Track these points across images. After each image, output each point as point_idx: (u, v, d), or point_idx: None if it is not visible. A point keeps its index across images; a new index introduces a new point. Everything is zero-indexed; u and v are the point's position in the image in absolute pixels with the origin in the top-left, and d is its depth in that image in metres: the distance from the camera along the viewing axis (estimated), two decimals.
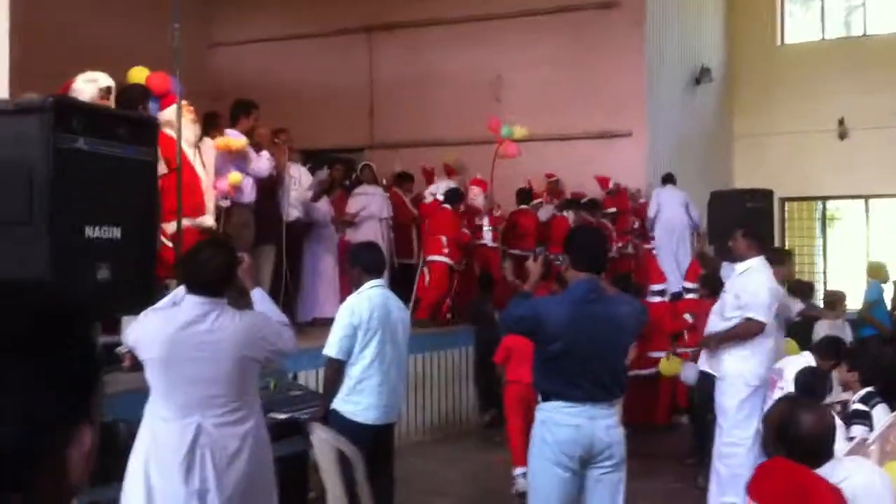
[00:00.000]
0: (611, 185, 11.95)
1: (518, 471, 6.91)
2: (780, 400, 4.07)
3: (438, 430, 9.24)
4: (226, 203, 7.12)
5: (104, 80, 5.79)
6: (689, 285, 10.19)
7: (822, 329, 8.57)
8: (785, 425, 3.06)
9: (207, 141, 7.32)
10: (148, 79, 6.50)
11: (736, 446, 6.21)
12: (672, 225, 11.53)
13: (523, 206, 11.38)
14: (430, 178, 11.50)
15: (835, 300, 9.41)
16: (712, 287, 7.92)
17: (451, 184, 10.76)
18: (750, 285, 6.30)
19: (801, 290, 10.35)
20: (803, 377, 5.87)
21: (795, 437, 3.00)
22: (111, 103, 5.61)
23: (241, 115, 7.76)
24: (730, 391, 6.29)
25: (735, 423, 6.26)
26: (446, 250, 9.76)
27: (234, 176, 7.24)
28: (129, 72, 6.59)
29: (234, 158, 7.32)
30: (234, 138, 7.23)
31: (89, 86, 5.66)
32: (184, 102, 6.61)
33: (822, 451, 3.01)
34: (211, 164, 6.87)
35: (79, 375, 1.06)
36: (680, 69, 13.70)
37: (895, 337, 9.35)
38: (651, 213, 11.91)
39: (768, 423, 3.22)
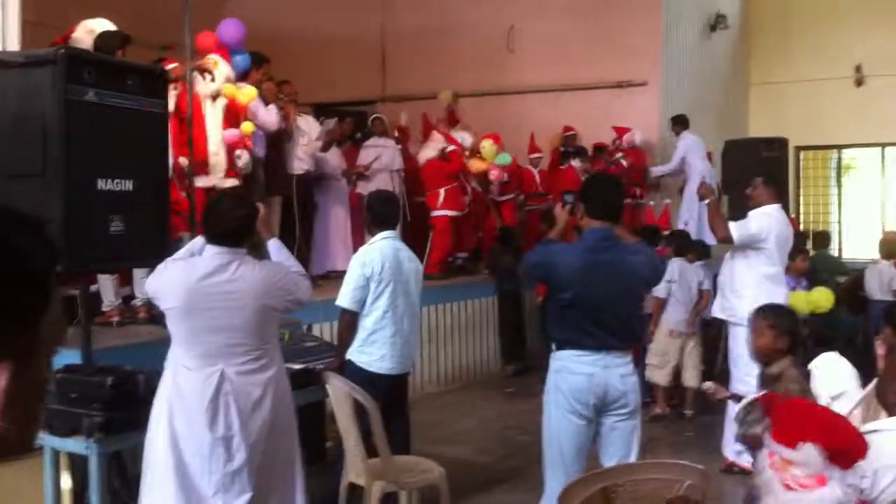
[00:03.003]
0: (629, 136, 11.79)
1: None
2: None
3: (455, 381, 9.28)
4: (245, 168, 7.01)
5: (101, 27, 5.72)
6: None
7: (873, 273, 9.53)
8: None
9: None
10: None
11: (749, 394, 6.21)
12: (700, 173, 11.42)
13: None
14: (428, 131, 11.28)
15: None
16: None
17: (464, 134, 10.65)
18: (754, 214, 6.27)
19: (819, 239, 10.35)
20: None
21: None
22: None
23: (252, 66, 7.71)
24: (742, 337, 6.27)
25: (748, 371, 6.24)
26: (443, 202, 9.74)
27: (247, 125, 7.16)
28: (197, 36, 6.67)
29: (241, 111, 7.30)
30: (244, 90, 7.19)
31: (88, 36, 5.61)
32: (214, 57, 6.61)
33: None
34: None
35: None
36: (695, 16, 13.50)
37: None
38: (674, 162, 11.78)
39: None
